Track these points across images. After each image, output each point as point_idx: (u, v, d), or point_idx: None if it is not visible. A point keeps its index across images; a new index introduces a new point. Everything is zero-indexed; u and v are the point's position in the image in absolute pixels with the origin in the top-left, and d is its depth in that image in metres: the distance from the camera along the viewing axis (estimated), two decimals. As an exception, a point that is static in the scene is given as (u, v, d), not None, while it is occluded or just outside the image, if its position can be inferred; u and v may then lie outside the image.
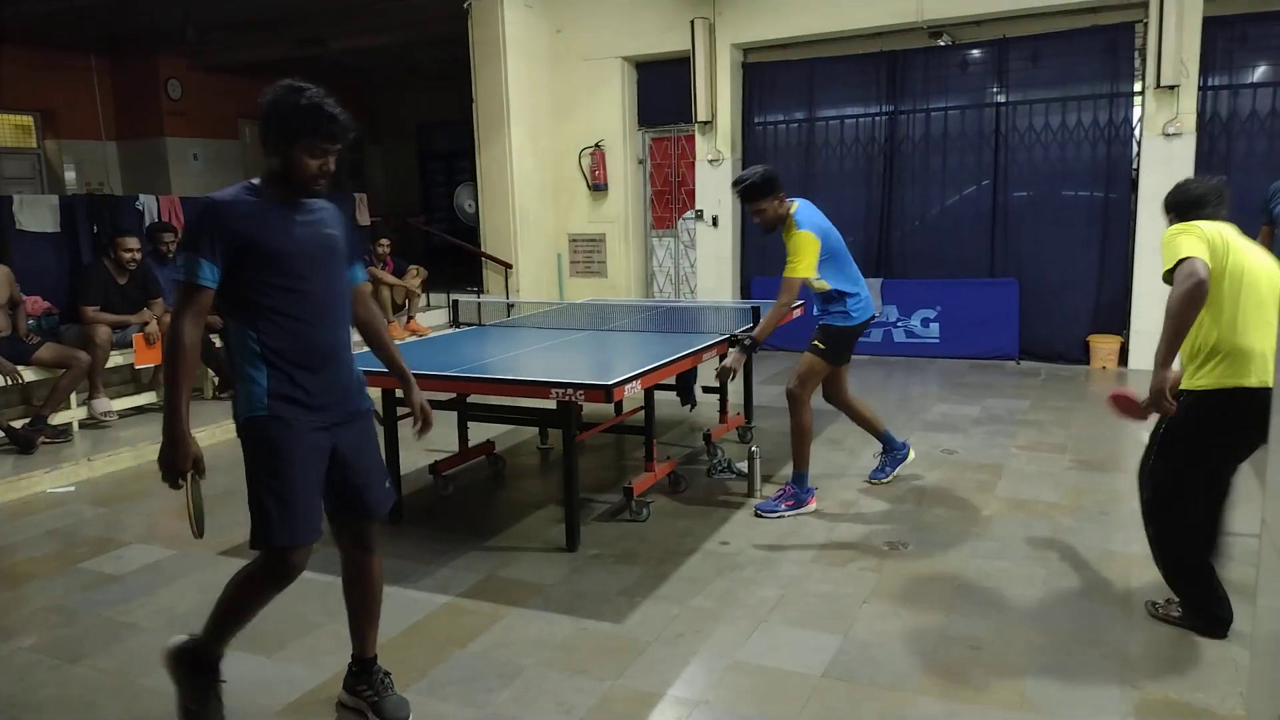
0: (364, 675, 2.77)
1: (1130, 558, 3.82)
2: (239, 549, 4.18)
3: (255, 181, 2.47)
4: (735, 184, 4.47)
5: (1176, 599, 3.23)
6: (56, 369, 5.78)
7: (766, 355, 8.40)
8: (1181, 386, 3.09)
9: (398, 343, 3.02)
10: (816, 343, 4.52)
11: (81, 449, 5.67)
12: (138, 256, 6.27)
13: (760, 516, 4.42)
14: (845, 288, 4.47)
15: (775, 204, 4.38)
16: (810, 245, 4.30)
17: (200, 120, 12.16)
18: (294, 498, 2.44)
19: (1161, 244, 3.00)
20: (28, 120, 11.32)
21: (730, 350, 4.68)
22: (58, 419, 5.83)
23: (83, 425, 6.09)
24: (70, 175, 11.63)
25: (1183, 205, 3.17)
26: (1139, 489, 3.29)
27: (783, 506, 4.45)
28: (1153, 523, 3.23)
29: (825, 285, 4.46)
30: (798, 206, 4.43)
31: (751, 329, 4.70)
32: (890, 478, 4.88)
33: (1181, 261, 2.86)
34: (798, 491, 4.50)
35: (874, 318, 4.70)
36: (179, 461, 2.36)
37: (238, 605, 2.60)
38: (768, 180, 4.34)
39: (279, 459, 2.43)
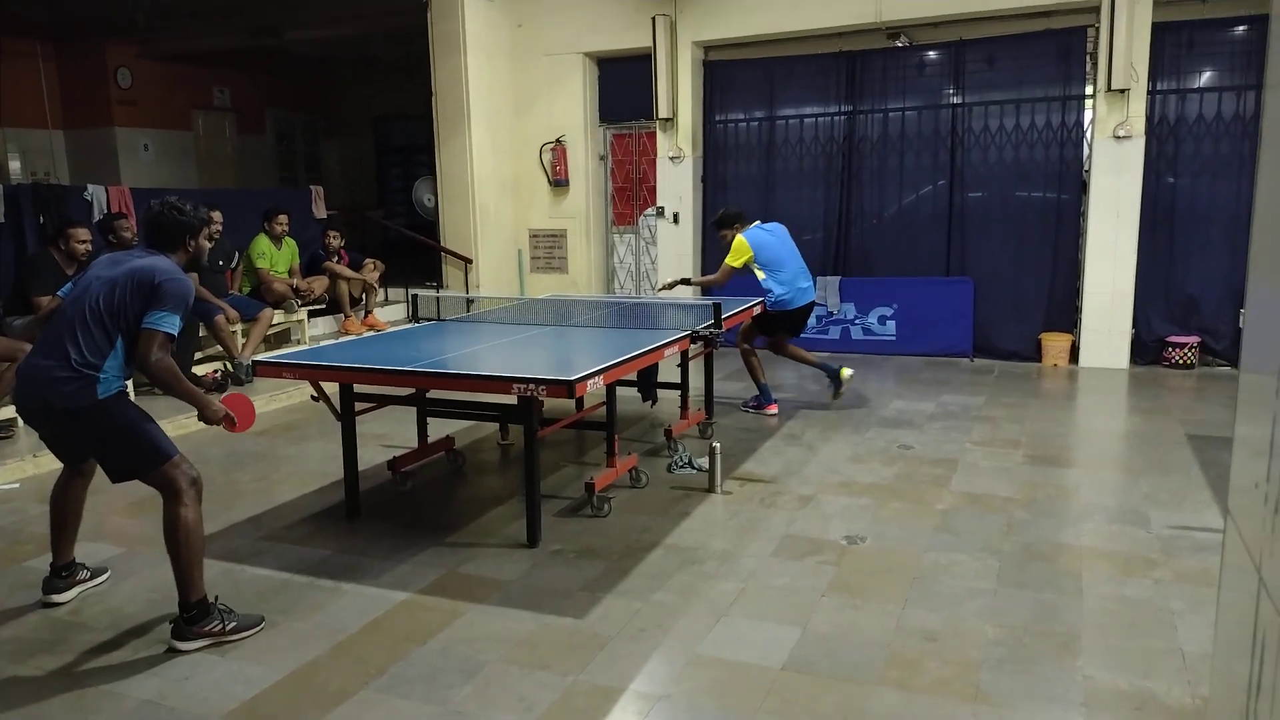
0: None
1: (1081, 550, 3.91)
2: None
3: None
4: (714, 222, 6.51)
5: None
6: (4, 362, 5.61)
7: (728, 353, 8.43)
8: None
9: (355, 337, 3.08)
10: (755, 314, 6.24)
11: (26, 445, 5.52)
12: (90, 247, 6.11)
13: (744, 411, 6.40)
14: (771, 285, 6.14)
15: (732, 232, 6.24)
16: (739, 245, 6.13)
17: (151, 110, 11.86)
18: None
19: None
20: (-30, 108, 10.97)
21: (676, 283, 6.76)
22: (2, 414, 5.66)
23: (28, 421, 5.91)
24: (15, 165, 11.28)
25: None
26: None
27: (751, 408, 6.40)
28: None
29: (760, 274, 6.16)
30: (748, 229, 6.23)
31: (713, 324, 4.95)
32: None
33: None
34: (759, 399, 6.38)
35: (804, 307, 6.29)
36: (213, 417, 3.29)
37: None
38: (727, 216, 6.35)
39: None
